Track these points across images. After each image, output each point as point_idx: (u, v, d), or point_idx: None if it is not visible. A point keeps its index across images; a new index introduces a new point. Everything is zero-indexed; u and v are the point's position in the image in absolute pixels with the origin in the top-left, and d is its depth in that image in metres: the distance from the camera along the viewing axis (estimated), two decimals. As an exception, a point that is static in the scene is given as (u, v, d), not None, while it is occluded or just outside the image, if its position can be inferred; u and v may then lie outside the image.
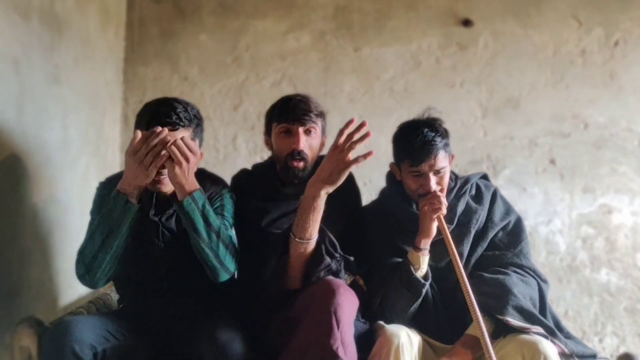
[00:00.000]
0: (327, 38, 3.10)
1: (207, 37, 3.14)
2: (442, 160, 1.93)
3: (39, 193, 2.23)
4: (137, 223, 1.78)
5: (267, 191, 2.01)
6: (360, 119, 3.01)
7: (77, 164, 2.55)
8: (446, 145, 1.96)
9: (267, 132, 2.05)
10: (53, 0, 2.29)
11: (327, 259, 1.79)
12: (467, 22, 3.03)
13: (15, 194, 2.05)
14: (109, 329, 1.72)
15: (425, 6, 3.07)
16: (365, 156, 1.63)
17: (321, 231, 1.80)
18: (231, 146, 3.11)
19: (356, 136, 1.64)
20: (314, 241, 1.77)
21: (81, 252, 1.78)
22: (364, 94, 3.09)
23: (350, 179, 2.13)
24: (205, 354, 1.65)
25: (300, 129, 1.93)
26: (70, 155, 2.47)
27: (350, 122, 1.66)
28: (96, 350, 1.63)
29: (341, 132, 1.66)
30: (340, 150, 1.65)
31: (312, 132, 1.96)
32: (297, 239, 1.76)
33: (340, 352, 1.56)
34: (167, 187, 1.80)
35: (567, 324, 2.91)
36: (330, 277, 1.76)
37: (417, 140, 1.93)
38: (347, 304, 1.65)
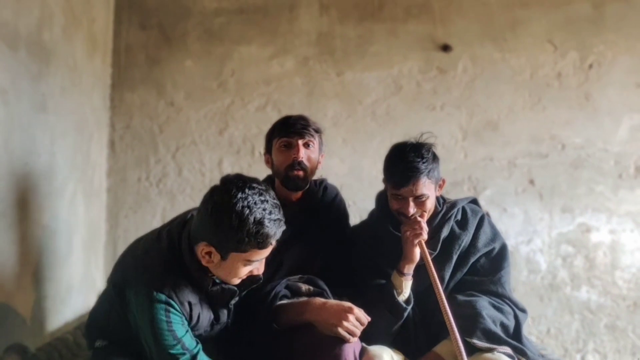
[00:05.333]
0: (310, 63, 3.17)
1: (193, 63, 3.19)
2: (423, 187, 1.93)
3: (26, 219, 2.25)
4: (214, 312, 1.75)
5: None
6: (343, 143, 3.11)
7: (65, 190, 2.57)
8: (431, 171, 1.95)
9: (268, 150, 2.13)
10: (40, 29, 2.33)
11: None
12: (446, 47, 3.11)
13: (3, 221, 2.08)
14: None
15: (406, 32, 3.15)
16: None
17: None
18: (217, 170, 3.15)
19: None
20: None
21: None
22: (347, 118, 3.14)
23: (340, 201, 2.22)
24: None
25: (300, 142, 2.02)
26: (58, 182, 2.50)
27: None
28: None
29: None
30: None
31: (310, 146, 2.05)
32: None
33: None
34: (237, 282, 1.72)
35: (549, 342, 2.99)
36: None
37: (400, 164, 1.96)
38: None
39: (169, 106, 3.16)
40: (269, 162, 2.13)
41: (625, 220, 3.03)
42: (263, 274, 1.72)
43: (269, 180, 2.17)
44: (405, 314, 1.92)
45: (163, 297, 1.58)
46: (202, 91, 3.17)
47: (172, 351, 1.60)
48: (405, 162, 1.94)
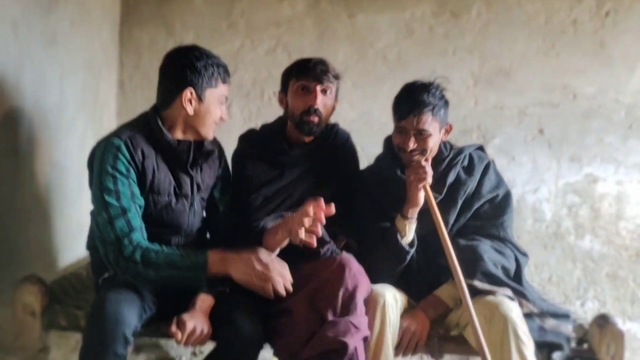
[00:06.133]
0: (321, 5, 3.10)
1: (203, 1, 3.13)
2: (426, 122, 1.94)
3: (38, 155, 2.27)
4: (174, 177, 1.84)
5: (273, 152, 2.09)
6: (353, 87, 3.09)
7: (74, 128, 2.58)
8: (437, 108, 1.96)
9: (283, 90, 2.13)
10: (50, -38, 2.29)
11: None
12: (460, -10, 3.04)
13: (15, 156, 2.10)
14: (142, 305, 1.72)
15: (420, -27, 3.07)
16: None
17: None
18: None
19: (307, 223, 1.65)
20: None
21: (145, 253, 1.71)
22: (357, 62, 3.11)
23: (350, 146, 2.24)
24: (222, 336, 1.72)
25: (318, 88, 2.01)
26: (67, 119, 2.51)
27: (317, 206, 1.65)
28: (137, 328, 1.66)
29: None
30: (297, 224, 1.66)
31: (327, 92, 2.05)
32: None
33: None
34: (212, 135, 1.91)
35: (550, 289, 3.05)
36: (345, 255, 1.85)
37: (406, 97, 1.99)
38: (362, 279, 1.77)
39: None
40: (283, 101, 2.13)
41: (633, 171, 3.03)
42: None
43: (280, 121, 2.18)
44: (408, 257, 1.96)
45: (116, 141, 1.73)
46: (211, 32, 3.12)
47: (106, 196, 1.69)
48: (412, 95, 1.97)
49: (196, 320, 1.66)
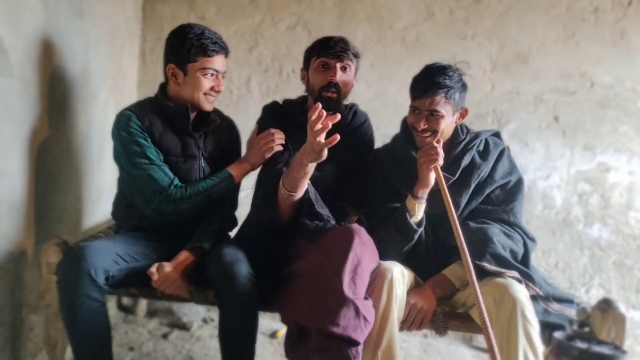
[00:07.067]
0: (343, -17, 3.11)
1: (225, -24, 3.16)
2: (438, 103, 1.96)
3: (63, 123, 2.34)
4: (180, 140, 2.06)
5: (293, 125, 2.14)
6: (371, 67, 3.11)
7: (98, 97, 2.64)
8: (452, 91, 1.97)
9: (305, 67, 2.19)
10: None
11: (313, 224, 1.92)
12: (483, -26, 3.04)
13: (41, 123, 2.16)
14: (119, 253, 1.91)
15: (442, -44, 3.06)
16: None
17: (307, 201, 1.93)
18: (245, 88, 3.19)
19: (318, 126, 1.71)
20: (299, 195, 1.91)
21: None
22: (376, 42, 3.13)
23: (368, 126, 2.30)
24: (212, 274, 1.87)
25: (338, 64, 2.08)
26: (91, 88, 2.57)
27: (316, 108, 1.71)
28: (108, 273, 1.83)
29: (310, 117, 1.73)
30: (313, 135, 1.73)
31: (347, 70, 2.11)
32: (283, 189, 1.90)
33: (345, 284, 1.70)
34: (210, 106, 2.09)
35: (556, 275, 3.09)
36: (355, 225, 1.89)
37: (424, 76, 2.02)
38: (367, 250, 1.80)
39: (199, 20, 3.15)
40: (305, 78, 2.19)
41: (646, 162, 3.04)
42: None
43: (302, 98, 2.23)
44: (416, 236, 1.99)
45: (126, 112, 2.03)
46: (233, 6, 3.16)
47: (136, 159, 1.97)
48: (428, 76, 2.00)
49: (173, 269, 1.89)
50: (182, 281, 1.91)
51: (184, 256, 1.94)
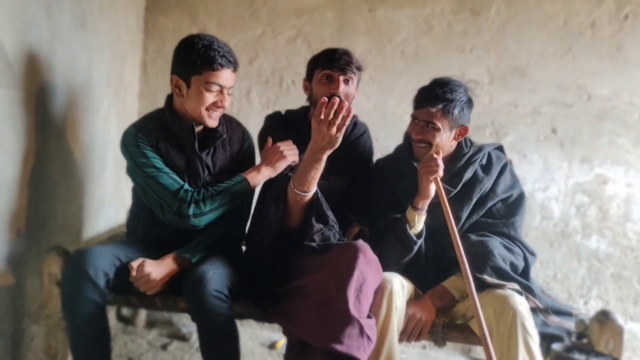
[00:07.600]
0: (343, -3, 3.15)
1: (226, -11, 3.19)
2: (435, 115, 1.98)
3: (65, 133, 2.36)
4: (186, 158, 2.01)
5: (296, 135, 2.16)
6: (370, 80, 3.14)
7: (100, 108, 2.66)
8: (450, 106, 1.98)
9: (308, 78, 2.22)
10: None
11: (318, 226, 1.92)
12: (481, -12, 3.07)
13: (43, 133, 2.18)
14: (119, 256, 1.93)
15: (441, -30, 3.10)
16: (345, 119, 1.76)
17: (317, 201, 1.94)
18: (245, 99, 3.21)
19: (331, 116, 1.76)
20: (310, 194, 1.91)
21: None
22: (375, 55, 3.15)
23: (368, 137, 2.33)
24: (184, 289, 1.87)
25: (341, 77, 2.10)
26: (94, 99, 2.59)
27: (323, 103, 1.76)
28: (109, 276, 1.85)
29: (323, 107, 1.77)
30: (327, 125, 1.76)
31: (349, 82, 2.13)
32: (295, 190, 1.90)
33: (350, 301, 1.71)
34: (214, 122, 2.00)
35: (554, 286, 3.09)
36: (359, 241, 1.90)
37: (427, 88, 2.05)
38: (371, 267, 1.81)
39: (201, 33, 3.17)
40: (307, 88, 2.22)
41: (643, 174, 3.06)
42: None
43: (304, 109, 2.25)
44: (416, 247, 2.00)
45: (132, 129, 2.00)
46: (234, 19, 3.19)
47: (147, 170, 1.93)
48: (432, 88, 2.03)
49: (154, 270, 1.87)
50: (160, 286, 1.90)
51: (169, 264, 1.92)
